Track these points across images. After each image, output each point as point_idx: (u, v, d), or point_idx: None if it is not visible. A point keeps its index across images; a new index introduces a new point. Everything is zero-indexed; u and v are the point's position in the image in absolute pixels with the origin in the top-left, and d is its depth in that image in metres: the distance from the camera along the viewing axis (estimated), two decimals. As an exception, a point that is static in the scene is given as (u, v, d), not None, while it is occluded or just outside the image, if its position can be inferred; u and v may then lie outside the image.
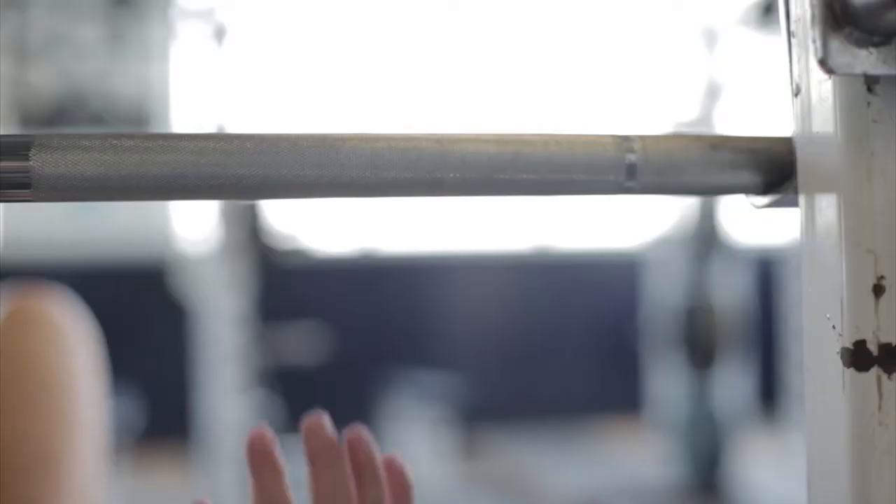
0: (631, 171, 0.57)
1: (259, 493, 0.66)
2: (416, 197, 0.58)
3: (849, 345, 0.51)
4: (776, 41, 2.01)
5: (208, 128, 4.01)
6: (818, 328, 0.54)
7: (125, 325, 4.84)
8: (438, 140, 0.57)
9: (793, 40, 0.55)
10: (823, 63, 0.49)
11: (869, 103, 0.51)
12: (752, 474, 4.50)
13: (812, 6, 0.49)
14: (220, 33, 3.97)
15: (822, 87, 0.53)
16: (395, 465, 0.68)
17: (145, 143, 0.54)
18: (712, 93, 4.55)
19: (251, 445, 0.66)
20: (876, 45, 0.49)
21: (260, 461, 0.66)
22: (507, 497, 4.67)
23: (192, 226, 4.83)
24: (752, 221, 4.57)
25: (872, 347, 0.51)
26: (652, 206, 4.83)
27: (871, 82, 0.51)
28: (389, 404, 5.03)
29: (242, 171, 0.55)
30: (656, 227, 4.80)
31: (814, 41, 0.49)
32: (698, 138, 0.59)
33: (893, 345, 0.51)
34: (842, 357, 0.52)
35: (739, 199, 0.61)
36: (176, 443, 4.80)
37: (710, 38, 4.59)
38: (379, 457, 0.67)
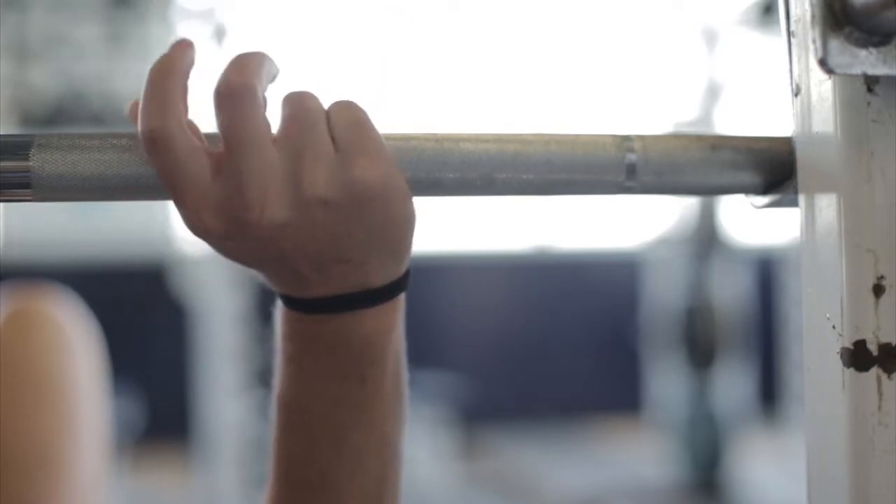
0: (631, 170, 0.57)
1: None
2: (416, 197, 0.58)
3: (849, 345, 0.51)
4: (776, 41, 2.00)
5: (208, 128, 4.00)
6: (818, 328, 0.54)
7: (125, 325, 4.84)
8: (438, 140, 0.57)
9: (793, 40, 0.55)
10: (823, 63, 0.49)
11: (869, 103, 0.51)
12: (752, 474, 4.50)
13: (812, 6, 0.49)
14: (220, 33, 3.96)
15: (822, 87, 0.53)
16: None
17: (145, 143, 0.54)
18: (712, 93, 4.55)
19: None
20: (876, 45, 0.49)
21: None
22: (507, 497, 4.66)
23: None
24: (752, 221, 4.56)
25: (872, 347, 0.51)
26: (652, 206, 4.83)
27: (870, 82, 0.51)
28: (389, 404, 5.02)
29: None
30: (656, 227, 4.80)
31: (814, 41, 0.49)
32: (698, 138, 0.59)
33: (893, 345, 0.51)
34: (842, 357, 0.52)
35: (739, 199, 0.61)
36: (176, 443, 4.79)
37: (710, 38, 4.58)
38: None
